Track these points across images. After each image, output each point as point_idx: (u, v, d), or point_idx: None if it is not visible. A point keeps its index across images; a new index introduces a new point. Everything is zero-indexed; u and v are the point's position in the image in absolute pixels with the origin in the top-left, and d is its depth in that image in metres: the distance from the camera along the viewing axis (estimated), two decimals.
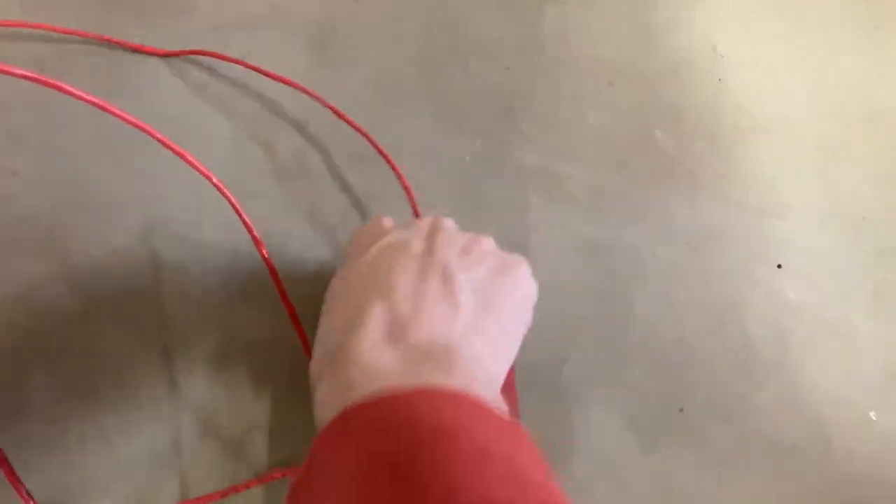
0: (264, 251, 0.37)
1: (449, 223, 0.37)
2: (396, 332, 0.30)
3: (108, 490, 0.39)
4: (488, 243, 0.36)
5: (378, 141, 0.45)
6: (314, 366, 0.33)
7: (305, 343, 0.39)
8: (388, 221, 0.38)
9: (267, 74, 0.42)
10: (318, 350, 0.33)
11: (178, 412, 0.42)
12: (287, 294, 0.38)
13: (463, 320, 0.32)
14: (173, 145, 0.30)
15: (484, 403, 0.27)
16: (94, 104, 0.28)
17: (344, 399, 0.27)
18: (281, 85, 0.44)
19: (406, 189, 0.43)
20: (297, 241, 0.44)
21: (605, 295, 0.47)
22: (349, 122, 0.43)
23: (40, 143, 0.42)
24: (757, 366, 0.48)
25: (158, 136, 0.30)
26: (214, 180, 0.33)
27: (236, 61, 0.43)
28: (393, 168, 0.43)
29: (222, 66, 0.45)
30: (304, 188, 0.45)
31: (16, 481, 0.36)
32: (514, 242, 0.47)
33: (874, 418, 0.49)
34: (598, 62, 0.50)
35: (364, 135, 0.43)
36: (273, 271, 0.38)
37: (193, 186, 0.43)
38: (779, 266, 0.50)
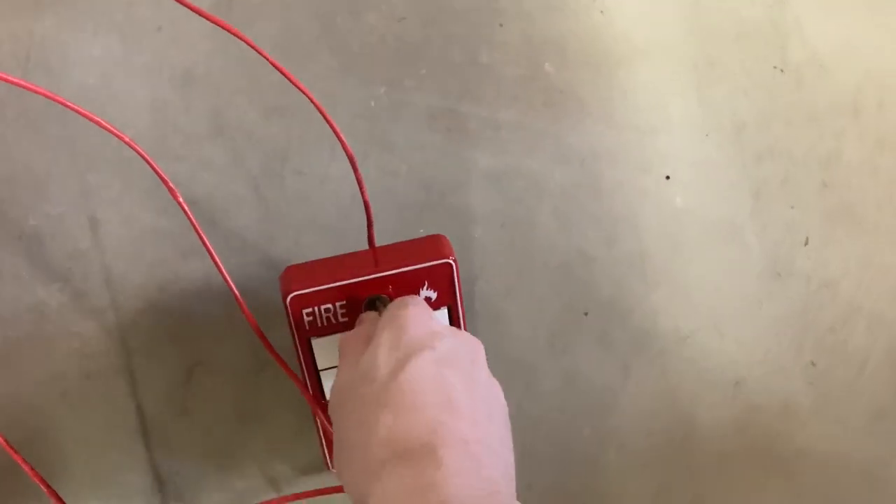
0: (187, 211, 0.41)
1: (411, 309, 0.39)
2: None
3: None
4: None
5: (289, 95, 0.48)
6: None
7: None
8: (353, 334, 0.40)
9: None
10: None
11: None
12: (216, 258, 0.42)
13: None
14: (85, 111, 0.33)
15: None
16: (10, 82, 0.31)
17: None
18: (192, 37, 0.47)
19: (334, 130, 0.46)
20: (221, 197, 0.48)
21: (511, 218, 0.52)
22: (270, 61, 0.45)
23: None
24: (651, 268, 0.54)
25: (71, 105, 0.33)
26: (126, 139, 0.36)
27: None
28: (316, 106, 0.46)
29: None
30: (222, 145, 0.48)
31: None
32: (424, 180, 0.52)
33: (759, 305, 0.55)
34: (487, 6, 0.54)
35: (285, 74, 0.45)
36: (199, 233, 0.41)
37: (116, 152, 0.46)
38: (667, 177, 0.56)
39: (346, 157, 0.48)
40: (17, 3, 0.45)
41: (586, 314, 0.53)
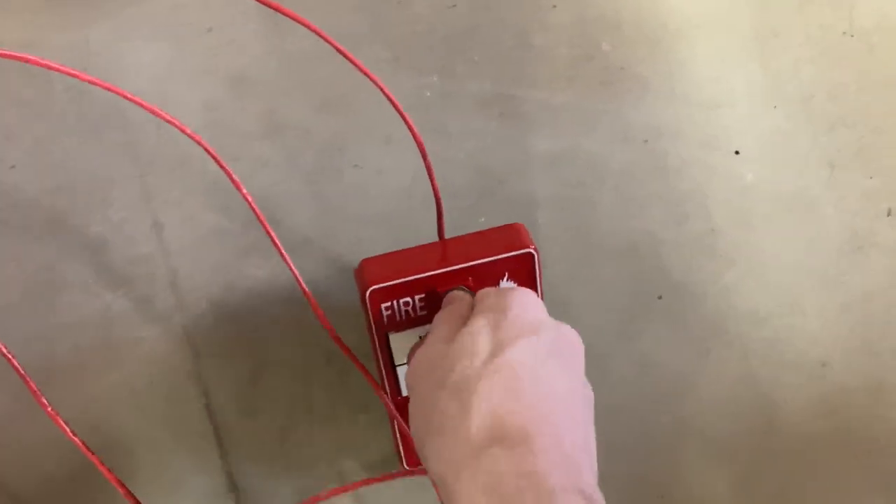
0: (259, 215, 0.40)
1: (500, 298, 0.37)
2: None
3: None
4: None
5: (341, 89, 0.48)
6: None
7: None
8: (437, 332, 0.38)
9: None
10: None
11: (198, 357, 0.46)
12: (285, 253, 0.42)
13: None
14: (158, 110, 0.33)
15: None
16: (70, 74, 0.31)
17: None
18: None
19: (399, 111, 0.44)
20: (279, 195, 0.47)
21: (573, 202, 0.51)
22: (334, 45, 0.44)
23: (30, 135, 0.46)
24: (723, 247, 0.52)
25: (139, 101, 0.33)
26: (188, 131, 0.36)
27: None
28: (381, 88, 0.44)
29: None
30: (277, 143, 0.48)
31: None
32: (481, 167, 0.50)
33: (841, 281, 0.52)
34: None
35: (346, 55, 0.44)
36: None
37: (176, 154, 0.46)
38: (736, 152, 0.53)
39: (402, 147, 0.48)
40: (72, 14, 0.46)
41: (660, 298, 0.51)
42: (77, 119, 0.46)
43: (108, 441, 0.47)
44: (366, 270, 0.44)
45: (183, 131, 0.37)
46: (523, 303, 0.36)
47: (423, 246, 0.46)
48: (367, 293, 0.43)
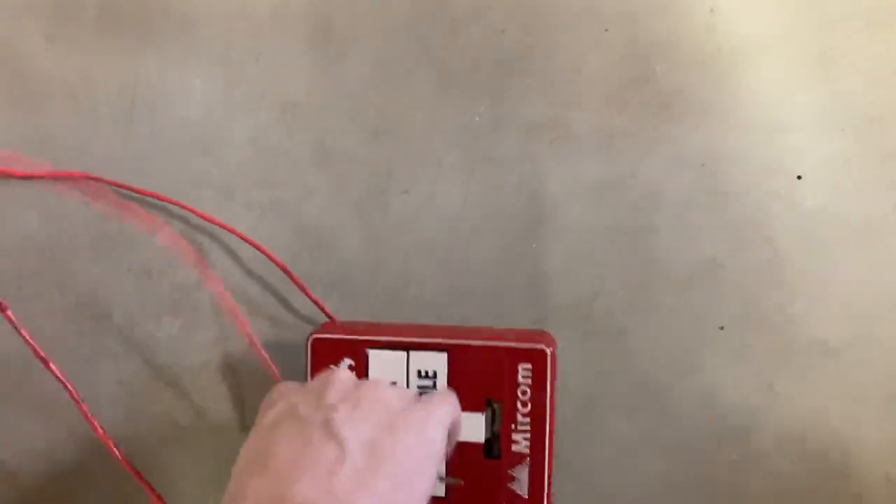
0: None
1: (343, 374, 0.36)
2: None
3: None
4: (384, 392, 0.35)
5: (390, 116, 0.48)
6: None
7: None
8: (283, 386, 0.37)
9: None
10: None
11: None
12: None
13: (351, 466, 0.30)
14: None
15: None
16: None
17: None
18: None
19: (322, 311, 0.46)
20: (328, 222, 0.47)
21: (629, 228, 0.49)
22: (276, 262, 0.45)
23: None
24: (789, 276, 0.49)
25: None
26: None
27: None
28: (310, 297, 0.46)
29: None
30: (326, 170, 0.47)
31: None
32: (533, 193, 0.49)
33: None
34: (590, 10, 0.51)
35: (283, 269, 0.45)
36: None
37: (220, 183, 0.46)
38: (798, 177, 0.51)
39: (451, 175, 0.47)
40: (122, 43, 0.46)
41: (721, 328, 0.48)
42: (124, 149, 0.46)
43: (150, 471, 0.46)
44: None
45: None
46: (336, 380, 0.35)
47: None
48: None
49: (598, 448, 0.48)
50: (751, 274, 0.49)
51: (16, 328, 0.41)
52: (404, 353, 0.41)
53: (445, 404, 0.36)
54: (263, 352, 0.44)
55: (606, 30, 0.52)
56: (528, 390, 0.41)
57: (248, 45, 0.46)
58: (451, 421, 0.36)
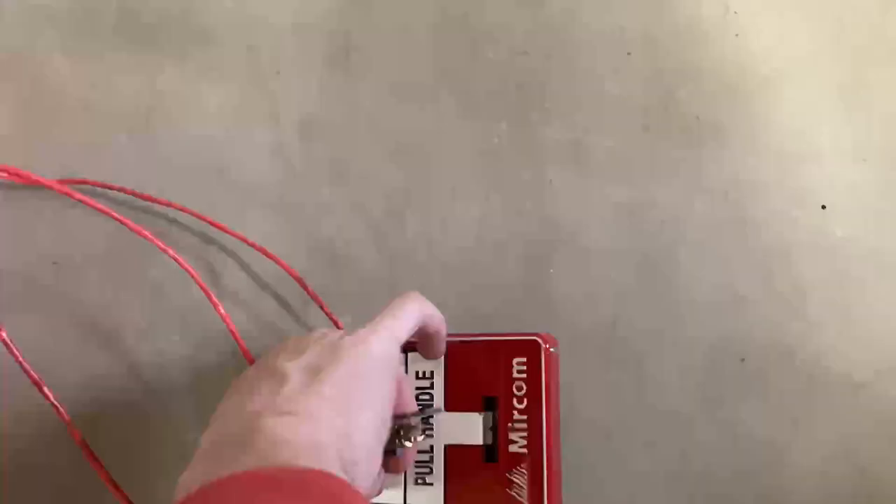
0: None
1: (318, 330, 0.37)
2: (216, 444, 0.31)
3: None
4: (319, 333, 0.37)
5: (409, 137, 0.47)
6: None
7: None
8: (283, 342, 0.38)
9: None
10: None
11: None
12: None
13: (292, 385, 0.32)
14: None
15: (276, 474, 0.27)
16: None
17: None
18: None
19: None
20: (345, 240, 0.46)
21: (649, 255, 0.48)
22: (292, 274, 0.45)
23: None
24: (813, 307, 0.48)
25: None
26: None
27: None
28: (324, 310, 0.45)
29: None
30: (343, 188, 0.47)
31: None
32: (552, 217, 0.48)
33: None
34: (613, 34, 0.51)
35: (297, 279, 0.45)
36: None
37: (239, 200, 0.45)
38: (823, 207, 0.50)
39: (467, 196, 0.46)
40: (141, 56, 0.46)
41: (743, 360, 0.47)
42: (137, 163, 0.45)
43: (160, 495, 0.45)
44: None
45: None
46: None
47: None
48: None
49: (615, 482, 0.47)
50: (774, 304, 0.48)
51: (10, 350, 0.40)
52: (402, 355, 0.41)
53: (391, 317, 0.36)
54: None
55: (629, 53, 0.51)
56: (524, 386, 0.40)
57: (267, 61, 0.46)
58: (413, 323, 0.37)
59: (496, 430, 0.40)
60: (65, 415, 0.40)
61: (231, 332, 0.39)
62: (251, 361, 0.39)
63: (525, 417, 0.40)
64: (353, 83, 0.47)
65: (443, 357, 0.42)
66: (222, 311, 0.39)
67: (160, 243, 0.38)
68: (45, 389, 0.40)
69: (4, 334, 0.40)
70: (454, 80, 0.49)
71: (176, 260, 0.39)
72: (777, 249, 0.49)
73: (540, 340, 0.41)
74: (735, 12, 0.53)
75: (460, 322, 0.47)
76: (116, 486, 0.40)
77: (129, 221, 0.38)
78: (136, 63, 0.46)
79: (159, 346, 0.45)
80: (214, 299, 0.39)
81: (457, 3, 0.51)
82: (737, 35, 0.52)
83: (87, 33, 0.46)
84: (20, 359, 0.40)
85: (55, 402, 0.40)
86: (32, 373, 0.40)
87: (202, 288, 0.39)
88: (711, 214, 0.49)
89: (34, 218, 0.46)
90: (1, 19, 0.46)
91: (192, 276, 0.39)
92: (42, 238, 0.46)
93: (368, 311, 0.45)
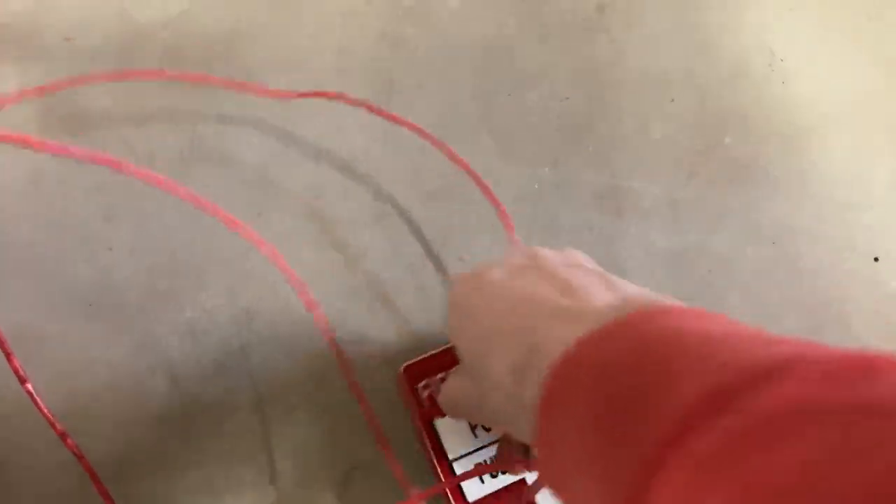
0: (328, 331, 0.38)
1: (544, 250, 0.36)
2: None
3: None
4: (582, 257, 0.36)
5: (449, 179, 0.46)
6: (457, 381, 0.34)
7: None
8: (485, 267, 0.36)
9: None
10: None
11: (276, 459, 0.42)
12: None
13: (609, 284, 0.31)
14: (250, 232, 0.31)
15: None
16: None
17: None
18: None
19: (499, 210, 0.43)
20: (382, 284, 0.45)
21: (697, 303, 0.46)
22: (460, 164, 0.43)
23: (132, 219, 0.45)
24: None
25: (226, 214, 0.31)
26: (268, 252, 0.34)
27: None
28: (485, 192, 0.44)
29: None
30: (381, 231, 0.46)
31: None
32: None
33: None
34: (656, 79, 0.50)
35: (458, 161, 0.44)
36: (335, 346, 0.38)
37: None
38: (875, 259, 0.48)
39: (506, 241, 0.45)
40: (183, 96, 0.46)
41: None
42: (176, 202, 0.45)
43: None
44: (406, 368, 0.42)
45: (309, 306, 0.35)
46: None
47: None
48: (402, 369, 0.40)
49: None
50: None
51: (37, 404, 0.39)
52: None
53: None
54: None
55: (672, 100, 0.50)
56: None
57: (308, 100, 0.45)
58: None
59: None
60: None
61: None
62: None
63: None
64: (393, 125, 0.47)
65: None
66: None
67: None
68: (69, 440, 0.39)
69: (29, 387, 0.39)
70: (496, 122, 0.49)
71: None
72: (829, 300, 0.47)
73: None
74: (781, 59, 0.52)
75: None
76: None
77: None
78: (177, 104, 0.46)
79: (192, 390, 0.44)
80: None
81: (498, 48, 0.50)
82: (783, 82, 0.51)
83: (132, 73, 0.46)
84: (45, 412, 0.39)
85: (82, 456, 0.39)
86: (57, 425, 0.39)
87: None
88: (761, 263, 0.47)
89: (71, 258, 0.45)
90: (50, 59, 0.47)
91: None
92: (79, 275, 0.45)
93: (404, 357, 0.44)
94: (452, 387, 0.35)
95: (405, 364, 0.41)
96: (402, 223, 0.46)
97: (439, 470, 0.40)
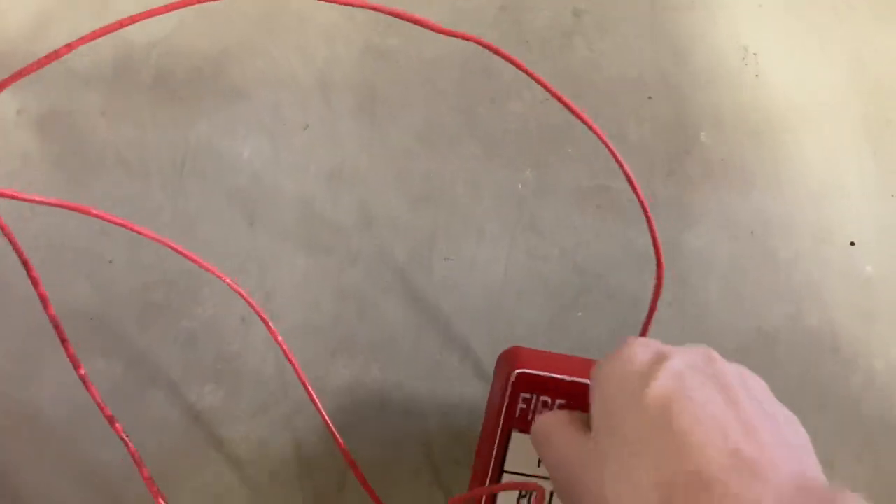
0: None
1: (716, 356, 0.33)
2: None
3: None
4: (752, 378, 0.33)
5: (434, 184, 0.48)
6: None
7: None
8: (635, 352, 0.33)
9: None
10: None
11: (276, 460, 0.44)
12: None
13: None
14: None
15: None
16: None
17: None
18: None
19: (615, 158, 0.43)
20: (368, 289, 0.46)
21: (677, 298, 0.48)
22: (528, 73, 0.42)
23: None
24: (846, 347, 0.48)
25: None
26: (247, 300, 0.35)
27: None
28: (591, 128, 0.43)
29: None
30: (369, 236, 0.47)
31: None
32: (577, 263, 0.48)
33: None
34: (633, 80, 0.52)
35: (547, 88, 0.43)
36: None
37: (268, 250, 0.46)
38: (851, 244, 0.50)
39: (494, 241, 0.46)
40: (175, 112, 0.48)
41: None
42: (171, 217, 0.47)
43: None
44: (518, 355, 0.40)
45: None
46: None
47: (581, 358, 0.42)
48: (514, 374, 0.39)
49: None
50: (804, 345, 0.48)
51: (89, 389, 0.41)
52: None
53: None
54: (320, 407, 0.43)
55: (650, 98, 0.52)
56: None
57: (295, 115, 0.47)
58: None
59: None
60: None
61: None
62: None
63: None
64: (379, 133, 0.48)
65: None
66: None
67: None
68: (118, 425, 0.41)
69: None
70: (478, 128, 0.50)
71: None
72: (806, 289, 0.49)
73: None
74: (754, 53, 0.53)
75: (489, 366, 0.47)
76: None
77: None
78: (170, 121, 0.48)
79: (191, 399, 0.46)
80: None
81: (480, 57, 0.52)
82: (756, 76, 0.53)
83: (125, 94, 0.48)
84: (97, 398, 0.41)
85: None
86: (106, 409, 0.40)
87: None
88: (738, 256, 0.49)
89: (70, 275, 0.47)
90: (41, 83, 0.48)
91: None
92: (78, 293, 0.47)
93: (395, 357, 0.46)
94: (566, 437, 0.32)
95: (521, 370, 0.39)
96: (390, 227, 0.48)
97: (489, 476, 0.40)
